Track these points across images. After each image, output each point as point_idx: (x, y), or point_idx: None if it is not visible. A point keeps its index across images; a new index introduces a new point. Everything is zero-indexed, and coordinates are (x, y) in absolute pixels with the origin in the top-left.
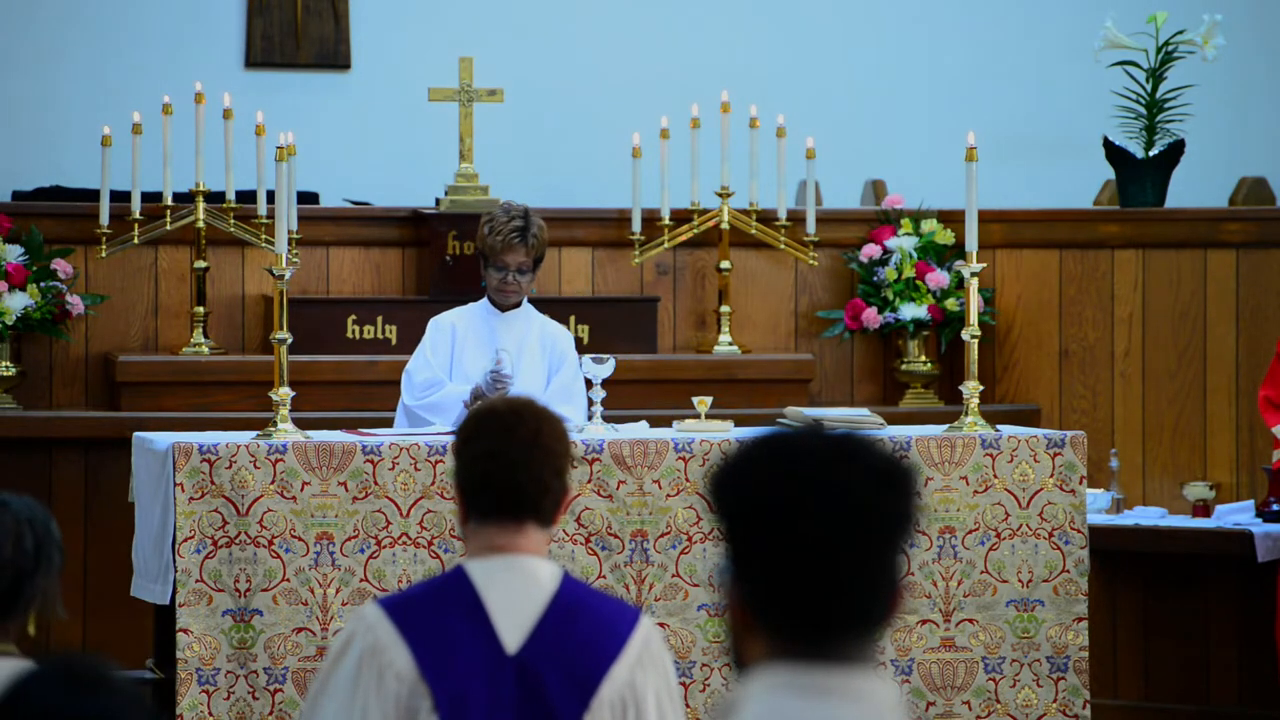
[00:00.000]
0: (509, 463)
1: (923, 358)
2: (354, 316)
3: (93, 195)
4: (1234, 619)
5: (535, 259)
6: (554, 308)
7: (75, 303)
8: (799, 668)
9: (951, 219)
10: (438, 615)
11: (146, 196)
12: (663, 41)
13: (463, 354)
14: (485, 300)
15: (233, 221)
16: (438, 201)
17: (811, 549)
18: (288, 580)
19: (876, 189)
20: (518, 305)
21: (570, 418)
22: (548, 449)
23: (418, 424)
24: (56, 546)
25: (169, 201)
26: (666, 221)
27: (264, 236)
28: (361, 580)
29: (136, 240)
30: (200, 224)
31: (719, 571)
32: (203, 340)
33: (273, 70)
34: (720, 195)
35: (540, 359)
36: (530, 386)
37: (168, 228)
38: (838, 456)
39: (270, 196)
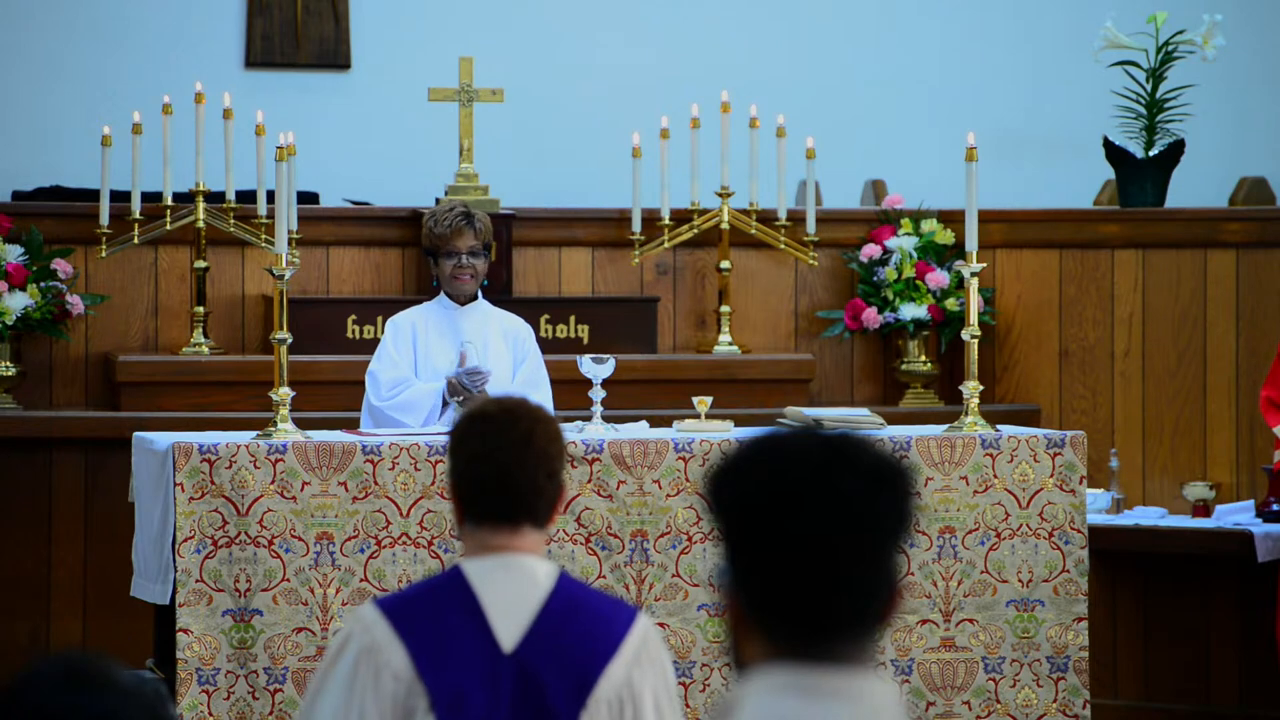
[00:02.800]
0: (501, 467)
1: (923, 358)
2: (354, 316)
3: (93, 195)
4: (1234, 619)
5: (484, 244)
6: (554, 308)
7: (75, 303)
8: (797, 668)
9: (951, 219)
10: (435, 614)
11: (146, 196)
12: (662, 42)
13: (427, 350)
14: (441, 297)
15: (233, 221)
16: (437, 201)
17: (808, 549)
18: (288, 580)
19: (876, 189)
20: (474, 297)
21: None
22: (541, 451)
23: (387, 424)
24: None
25: (169, 201)
26: (666, 221)
27: (264, 236)
28: (361, 580)
29: (136, 240)
30: (200, 224)
31: (718, 572)
32: (203, 340)
33: (273, 70)
34: (720, 195)
35: (505, 351)
36: (497, 378)
37: (168, 228)
38: (833, 457)
39: (270, 196)
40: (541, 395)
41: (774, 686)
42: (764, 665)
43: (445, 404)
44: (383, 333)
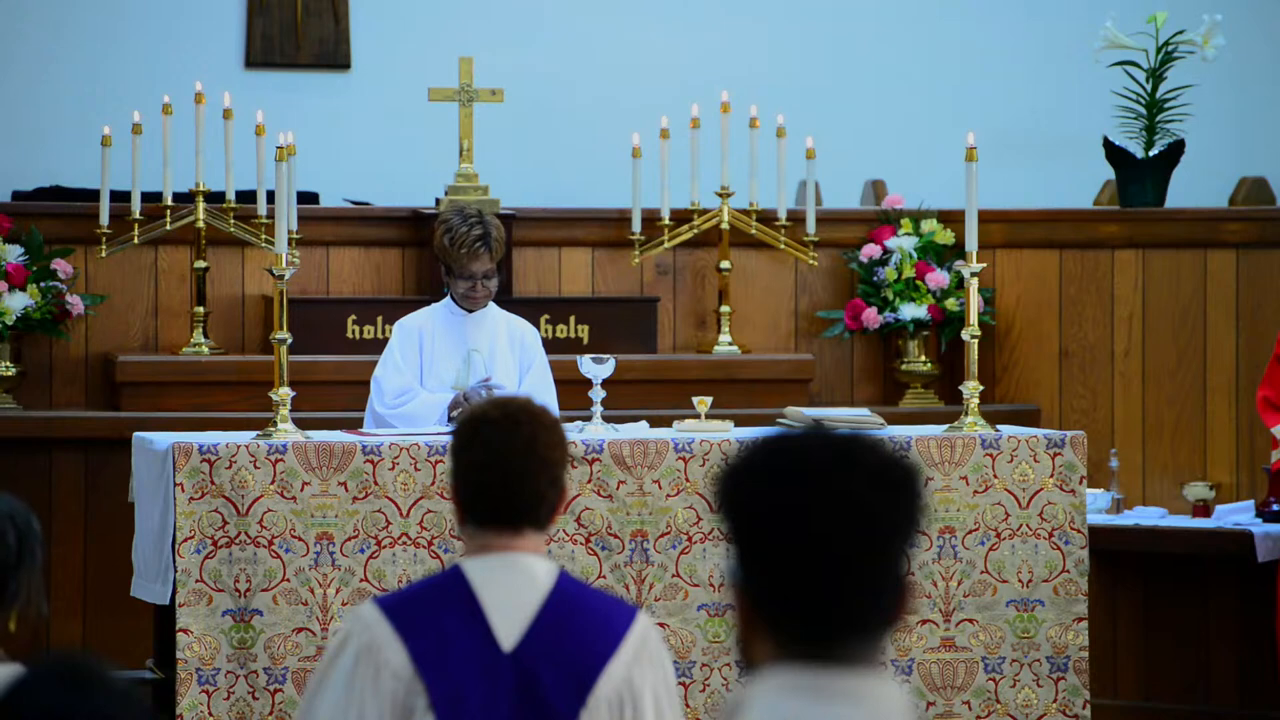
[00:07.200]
0: (504, 475)
1: (923, 358)
2: (354, 316)
3: (93, 195)
4: (1234, 619)
5: (498, 262)
6: (554, 308)
7: (75, 303)
8: (805, 669)
9: (951, 219)
10: (434, 614)
11: (146, 196)
12: (662, 42)
13: (433, 356)
14: (448, 301)
15: (233, 221)
16: (438, 201)
17: (816, 551)
18: (288, 580)
19: (876, 189)
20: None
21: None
22: (543, 459)
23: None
24: (38, 542)
25: (169, 201)
26: (666, 221)
27: (264, 236)
28: (361, 580)
29: (136, 240)
30: (200, 224)
31: (726, 573)
32: (203, 340)
33: (273, 70)
34: (720, 195)
35: (511, 357)
36: (504, 385)
37: (168, 228)
38: (842, 458)
39: (270, 196)
40: (547, 401)
41: (781, 687)
42: (772, 665)
43: (451, 419)
44: (384, 333)
